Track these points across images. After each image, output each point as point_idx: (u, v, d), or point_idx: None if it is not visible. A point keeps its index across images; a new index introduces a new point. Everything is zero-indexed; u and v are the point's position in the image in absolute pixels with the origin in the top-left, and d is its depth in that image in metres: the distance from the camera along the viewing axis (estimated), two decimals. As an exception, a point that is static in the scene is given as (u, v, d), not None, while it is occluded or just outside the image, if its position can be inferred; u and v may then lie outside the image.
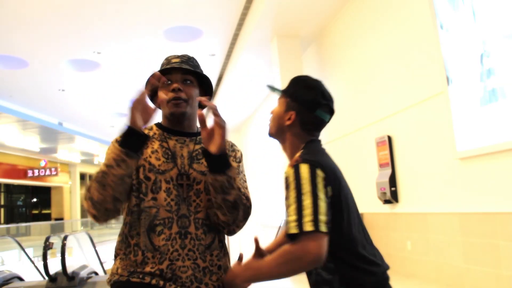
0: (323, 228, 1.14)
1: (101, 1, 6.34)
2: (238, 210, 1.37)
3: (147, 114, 1.33)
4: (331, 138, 6.77)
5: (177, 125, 1.48)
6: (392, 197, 5.00)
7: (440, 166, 4.25)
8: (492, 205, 3.59)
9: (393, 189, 5.02)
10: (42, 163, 20.01)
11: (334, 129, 6.72)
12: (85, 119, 14.14)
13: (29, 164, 19.53)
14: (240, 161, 1.54)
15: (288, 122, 1.43)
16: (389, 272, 1.33)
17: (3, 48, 7.99)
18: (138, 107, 1.29)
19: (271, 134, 1.51)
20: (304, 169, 1.23)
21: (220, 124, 1.33)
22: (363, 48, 5.70)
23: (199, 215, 1.39)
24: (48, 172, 19.98)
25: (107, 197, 1.31)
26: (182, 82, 1.45)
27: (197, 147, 1.46)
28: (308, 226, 1.14)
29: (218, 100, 11.27)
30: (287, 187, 1.24)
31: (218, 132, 1.32)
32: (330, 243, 1.18)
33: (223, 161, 1.32)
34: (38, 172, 19.82)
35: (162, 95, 1.45)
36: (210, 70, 9.63)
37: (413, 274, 4.75)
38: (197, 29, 7.44)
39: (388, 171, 5.09)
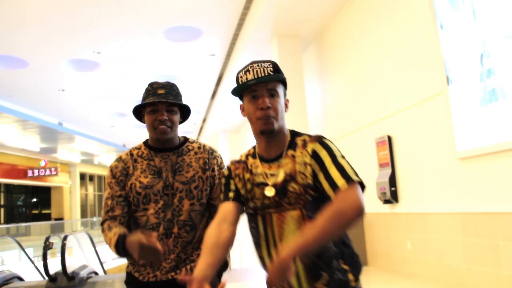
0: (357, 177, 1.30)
1: (101, 1, 6.33)
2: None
3: (155, 257, 1.50)
4: (331, 138, 6.75)
5: (162, 144, 1.75)
6: (392, 197, 5.00)
7: (440, 166, 4.25)
8: (492, 205, 3.59)
9: (393, 189, 5.02)
10: (42, 163, 19.99)
11: (334, 129, 6.72)
12: (85, 119, 14.14)
13: (29, 164, 19.52)
14: (221, 168, 1.79)
15: (286, 110, 1.44)
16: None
17: (3, 48, 7.99)
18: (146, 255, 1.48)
19: (275, 131, 1.38)
20: (329, 142, 1.40)
21: None
22: (363, 48, 5.70)
23: (182, 217, 1.68)
24: (48, 172, 19.96)
25: None
26: (167, 111, 1.69)
27: (179, 159, 1.74)
28: (355, 177, 1.29)
29: (218, 100, 11.28)
30: (319, 160, 1.33)
31: None
32: None
33: None
34: (38, 172, 19.80)
35: (149, 120, 1.70)
36: (210, 70, 9.63)
37: (413, 274, 4.75)
38: (197, 29, 7.44)
39: (388, 171, 5.09)
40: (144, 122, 1.77)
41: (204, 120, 15.31)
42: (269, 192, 1.38)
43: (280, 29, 6.61)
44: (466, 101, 3.77)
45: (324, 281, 1.33)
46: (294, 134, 1.45)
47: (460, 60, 3.83)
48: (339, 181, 1.27)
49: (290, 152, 1.39)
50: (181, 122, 1.80)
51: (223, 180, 1.53)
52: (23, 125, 13.33)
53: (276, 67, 1.40)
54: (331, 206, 1.22)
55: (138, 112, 1.77)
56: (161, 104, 1.68)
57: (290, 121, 6.85)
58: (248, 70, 1.39)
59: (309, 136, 1.42)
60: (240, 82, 1.40)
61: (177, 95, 1.74)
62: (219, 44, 8.22)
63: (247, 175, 1.46)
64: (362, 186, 1.29)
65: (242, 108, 1.45)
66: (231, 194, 1.46)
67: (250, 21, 6.90)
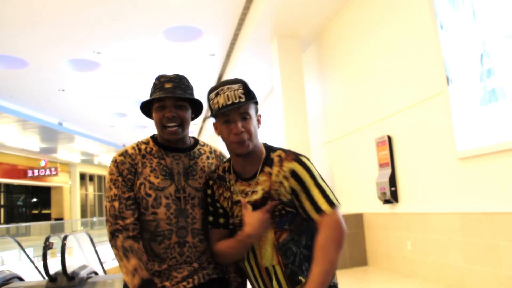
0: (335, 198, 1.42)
1: (101, 1, 6.33)
2: None
3: None
4: (331, 138, 6.77)
5: (173, 144, 1.61)
6: (392, 197, 5.00)
7: (440, 166, 4.25)
8: (492, 205, 3.59)
9: (393, 189, 5.02)
10: (42, 163, 19.99)
11: (334, 129, 6.72)
12: (85, 119, 14.13)
13: (29, 164, 19.52)
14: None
15: (259, 126, 1.49)
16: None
17: (3, 48, 7.98)
18: None
19: (250, 152, 1.43)
20: (307, 160, 1.44)
21: None
22: (363, 48, 5.70)
23: (196, 226, 1.54)
24: (48, 172, 19.97)
25: None
26: (175, 107, 1.54)
27: (191, 162, 1.61)
28: (336, 201, 1.40)
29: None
30: (301, 182, 1.40)
31: None
32: (313, 226, 1.42)
33: None
34: (38, 172, 19.80)
35: (157, 117, 1.55)
36: (210, 70, 9.63)
37: (413, 274, 4.74)
38: (197, 29, 7.44)
39: (388, 171, 5.09)
40: (152, 119, 1.63)
41: (204, 120, 15.31)
42: None
43: (280, 29, 6.61)
44: (466, 101, 3.77)
45: (302, 285, 1.40)
46: (269, 149, 1.50)
47: (460, 60, 3.83)
48: (323, 205, 1.37)
49: (267, 169, 1.45)
50: (193, 118, 1.66)
51: (208, 199, 1.56)
52: (23, 125, 13.33)
53: (246, 88, 1.42)
54: (323, 237, 1.34)
55: (147, 109, 1.63)
56: (168, 100, 1.53)
57: (290, 121, 6.87)
58: (219, 93, 1.41)
59: (284, 151, 1.48)
60: (212, 105, 1.43)
61: (187, 88, 1.58)
62: (219, 44, 8.22)
63: (227, 193, 1.51)
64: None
65: (216, 127, 1.49)
66: (221, 220, 1.53)
67: (250, 21, 6.90)
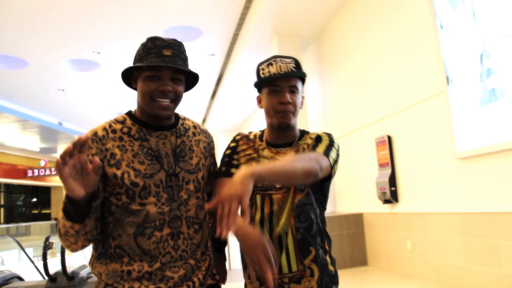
0: (334, 168, 1.40)
1: (101, 1, 6.33)
2: None
3: (88, 179, 1.11)
4: (331, 138, 6.77)
5: (157, 121, 1.34)
6: (392, 197, 5.00)
7: (440, 166, 4.25)
8: (492, 205, 3.59)
9: (393, 189, 5.02)
10: (42, 163, 20.01)
11: (334, 129, 6.72)
12: (85, 119, 14.13)
13: (29, 164, 19.53)
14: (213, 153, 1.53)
15: (301, 107, 1.48)
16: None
17: (3, 48, 7.98)
18: (69, 172, 1.07)
19: (291, 126, 1.44)
20: (335, 139, 1.46)
21: None
22: (363, 48, 5.70)
23: (190, 213, 1.32)
24: (48, 172, 19.98)
25: (79, 243, 1.24)
26: (171, 79, 1.28)
27: (179, 141, 1.36)
28: (332, 160, 1.37)
29: (218, 100, 11.27)
30: (319, 139, 1.43)
31: None
32: (325, 197, 1.46)
33: None
34: (38, 172, 19.82)
35: (147, 88, 1.27)
36: (210, 70, 9.64)
37: (413, 274, 4.75)
38: (197, 29, 7.44)
39: (388, 171, 5.09)
40: (134, 88, 1.34)
41: (204, 120, 15.31)
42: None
43: (280, 29, 6.61)
44: (466, 101, 3.77)
45: (311, 257, 1.36)
46: (303, 132, 1.51)
47: (460, 60, 3.83)
48: (320, 150, 1.37)
49: (298, 142, 1.47)
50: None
51: (227, 151, 1.51)
52: (23, 125, 13.34)
53: (298, 64, 1.42)
54: (306, 155, 1.31)
55: (129, 74, 1.33)
56: (166, 70, 1.26)
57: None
58: (271, 64, 1.40)
59: (318, 132, 1.50)
60: (262, 75, 1.41)
61: (186, 59, 1.34)
62: (219, 44, 8.22)
63: (250, 152, 1.48)
64: (330, 174, 1.37)
65: (259, 100, 1.48)
66: (233, 170, 1.44)
67: (250, 21, 6.90)
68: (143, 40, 1.33)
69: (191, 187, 1.33)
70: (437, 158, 4.29)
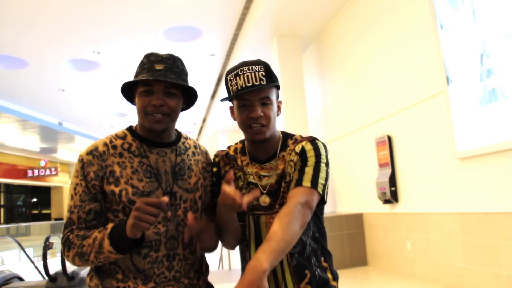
0: (325, 191, 1.31)
1: (101, 1, 6.33)
2: None
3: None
4: (331, 138, 6.77)
5: (156, 137, 1.34)
6: (392, 197, 5.01)
7: (440, 166, 4.25)
8: (492, 205, 3.59)
9: (393, 189, 5.02)
10: (42, 163, 20.01)
11: (334, 129, 6.72)
12: (85, 119, 14.13)
13: (29, 164, 19.53)
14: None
15: (279, 114, 1.39)
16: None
17: (3, 48, 7.98)
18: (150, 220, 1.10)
19: (267, 139, 1.33)
20: (321, 144, 1.35)
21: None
22: (363, 48, 5.70)
23: (187, 234, 1.30)
24: (48, 172, 19.98)
25: (90, 264, 1.24)
26: (164, 94, 1.28)
27: (179, 159, 1.36)
28: (320, 188, 1.27)
29: (218, 100, 11.27)
30: (304, 157, 1.31)
31: None
32: (319, 218, 1.39)
33: None
34: (38, 172, 19.82)
35: (141, 103, 1.28)
36: (210, 70, 9.64)
37: (413, 274, 4.75)
38: (197, 29, 7.44)
39: (388, 171, 5.09)
40: (134, 104, 1.35)
41: (204, 120, 15.31)
42: (263, 201, 1.35)
43: (280, 29, 6.61)
44: (466, 101, 3.77)
45: (307, 280, 1.33)
46: (286, 136, 1.42)
47: (460, 60, 3.83)
48: (306, 183, 1.26)
49: (282, 153, 1.37)
50: (184, 109, 1.41)
51: (213, 179, 1.43)
52: (23, 125, 13.34)
53: (268, 70, 1.31)
54: (292, 206, 1.20)
55: (130, 92, 1.36)
56: (157, 84, 1.27)
57: (290, 121, 6.85)
58: (238, 74, 1.30)
59: (302, 136, 1.40)
60: (230, 86, 1.32)
61: (181, 73, 1.33)
62: (219, 44, 8.22)
63: (238, 173, 1.40)
64: (322, 200, 1.29)
65: (232, 111, 1.39)
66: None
67: (250, 21, 6.90)
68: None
69: (188, 206, 1.33)
70: (437, 158, 4.29)
